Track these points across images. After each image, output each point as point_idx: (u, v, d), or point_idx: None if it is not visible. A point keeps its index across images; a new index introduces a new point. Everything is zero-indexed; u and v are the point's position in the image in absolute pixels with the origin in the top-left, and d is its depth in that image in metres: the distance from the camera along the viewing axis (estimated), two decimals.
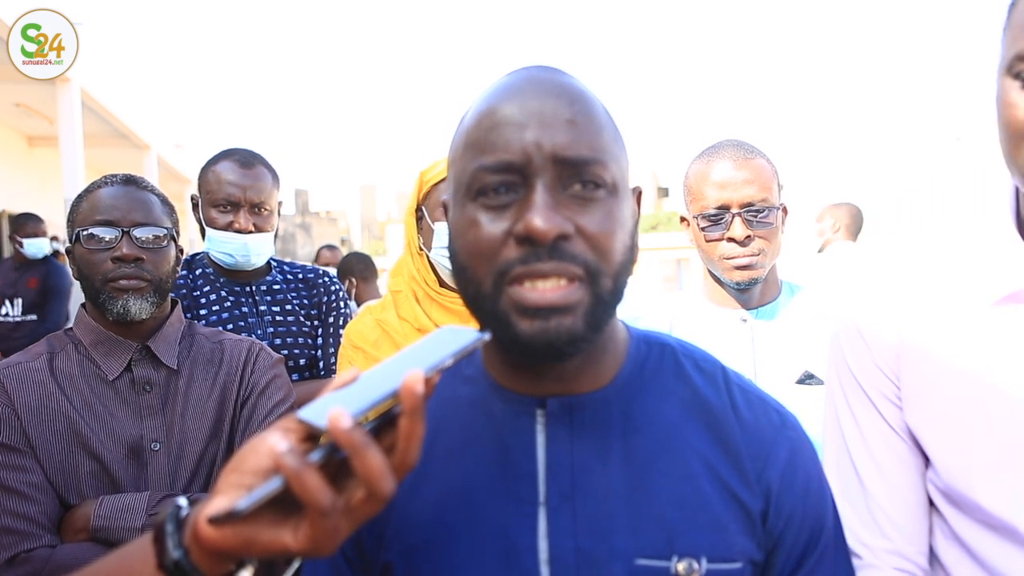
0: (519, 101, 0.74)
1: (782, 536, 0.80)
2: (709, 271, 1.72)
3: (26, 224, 5.33)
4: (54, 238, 5.93)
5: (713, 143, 1.69)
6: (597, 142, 0.74)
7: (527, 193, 0.71)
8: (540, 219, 0.69)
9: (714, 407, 0.83)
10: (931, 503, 1.02)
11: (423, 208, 1.67)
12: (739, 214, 1.59)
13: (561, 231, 0.70)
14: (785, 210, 1.68)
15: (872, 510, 1.02)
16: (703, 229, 1.64)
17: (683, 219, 1.75)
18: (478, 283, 0.74)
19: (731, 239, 1.59)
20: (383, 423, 0.63)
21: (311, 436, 0.63)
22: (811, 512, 0.82)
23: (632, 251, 0.78)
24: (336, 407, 0.59)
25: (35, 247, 5.30)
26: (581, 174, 0.72)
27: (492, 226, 0.72)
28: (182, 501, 0.65)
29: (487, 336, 0.70)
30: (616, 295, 0.75)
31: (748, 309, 1.68)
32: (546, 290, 0.70)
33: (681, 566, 0.75)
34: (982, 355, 0.93)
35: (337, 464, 0.63)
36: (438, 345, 0.67)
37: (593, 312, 0.72)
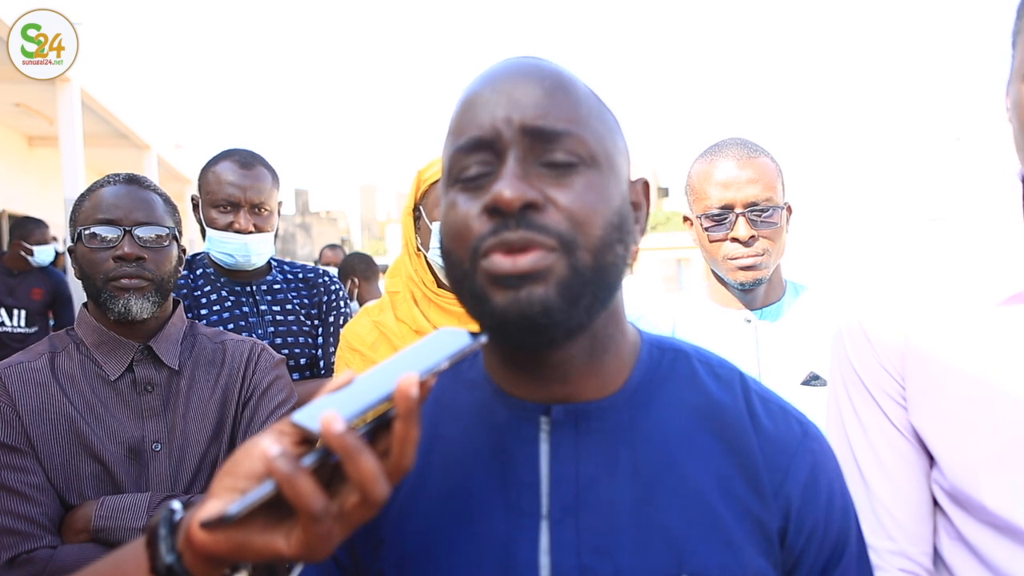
0: (493, 84, 0.73)
1: (803, 553, 0.76)
2: (713, 271, 1.70)
3: (35, 231, 5.19)
4: (52, 238, 5.89)
5: (716, 142, 1.68)
6: (572, 115, 0.71)
7: (499, 167, 0.70)
8: (506, 187, 0.67)
9: (730, 416, 0.78)
10: (936, 504, 1.01)
11: (421, 207, 1.65)
12: (743, 214, 1.57)
13: (527, 199, 0.67)
14: (789, 209, 1.67)
15: (876, 510, 1.01)
16: (706, 229, 1.62)
17: (686, 219, 1.74)
18: (459, 263, 0.72)
19: (735, 239, 1.58)
20: (378, 427, 0.62)
21: (305, 440, 0.62)
22: (834, 528, 0.77)
23: (620, 230, 0.73)
24: (329, 410, 0.58)
25: (45, 254, 5.19)
26: (554, 146, 0.70)
27: (467, 205, 0.71)
28: (175, 505, 0.64)
29: (484, 339, 0.68)
30: (598, 272, 0.69)
31: (752, 309, 1.67)
32: (517, 258, 0.67)
33: None
34: (987, 355, 0.93)
35: (331, 468, 0.62)
36: (434, 348, 0.66)
37: (569, 284, 0.67)
